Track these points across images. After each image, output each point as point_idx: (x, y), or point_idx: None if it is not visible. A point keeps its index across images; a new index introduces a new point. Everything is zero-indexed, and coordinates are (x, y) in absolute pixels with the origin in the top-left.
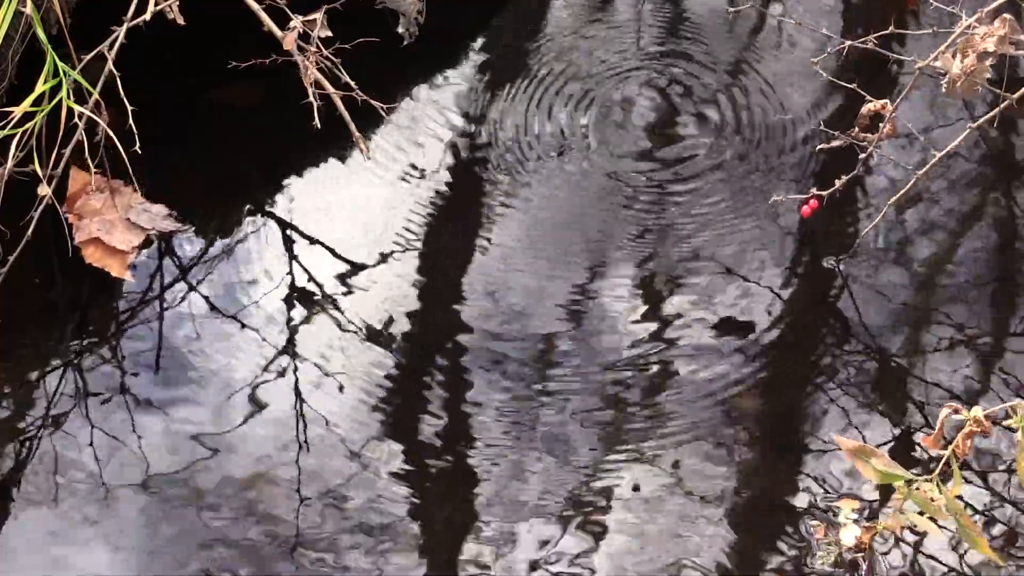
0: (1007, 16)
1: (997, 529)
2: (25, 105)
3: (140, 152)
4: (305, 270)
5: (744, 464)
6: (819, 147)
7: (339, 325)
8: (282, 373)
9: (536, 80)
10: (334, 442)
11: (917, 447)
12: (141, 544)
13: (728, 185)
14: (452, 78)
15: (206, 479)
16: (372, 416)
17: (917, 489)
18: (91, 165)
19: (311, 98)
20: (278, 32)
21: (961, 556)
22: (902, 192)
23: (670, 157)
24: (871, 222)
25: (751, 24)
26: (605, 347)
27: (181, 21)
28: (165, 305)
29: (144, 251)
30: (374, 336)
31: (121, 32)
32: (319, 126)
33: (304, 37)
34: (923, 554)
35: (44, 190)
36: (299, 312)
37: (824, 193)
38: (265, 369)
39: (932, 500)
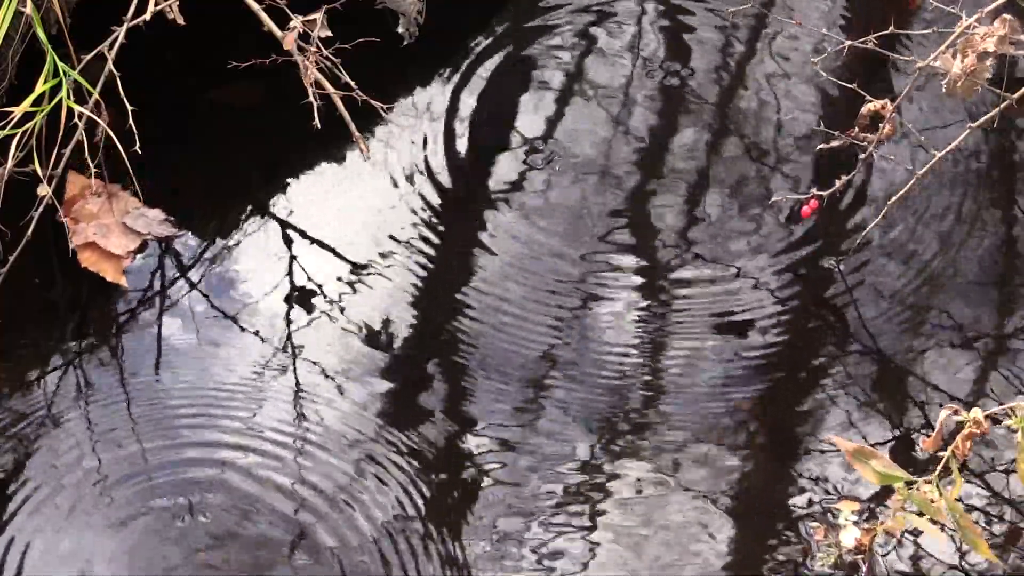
0: (1007, 16)
1: (997, 529)
2: (25, 105)
3: (140, 152)
4: (305, 270)
5: (744, 465)
6: (819, 147)
7: (339, 325)
8: (282, 372)
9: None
10: (334, 442)
11: (917, 448)
12: (141, 544)
13: (728, 185)
14: (452, 78)
15: (206, 479)
16: (372, 416)
17: (917, 490)
18: (90, 167)
19: (311, 98)
20: (278, 32)
21: (961, 557)
22: (902, 192)
23: (670, 157)
24: (871, 222)
25: (751, 24)
26: (605, 347)
27: (181, 21)
28: (165, 305)
29: (144, 251)
30: (374, 336)
31: (121, 32)
32: (319, 126)
33: (304, 37)
34: (923, 555)
35: (44, 190)
36: (299, 312)
37: (824, 193)
38: (265, 369)
39: (932, 501)
